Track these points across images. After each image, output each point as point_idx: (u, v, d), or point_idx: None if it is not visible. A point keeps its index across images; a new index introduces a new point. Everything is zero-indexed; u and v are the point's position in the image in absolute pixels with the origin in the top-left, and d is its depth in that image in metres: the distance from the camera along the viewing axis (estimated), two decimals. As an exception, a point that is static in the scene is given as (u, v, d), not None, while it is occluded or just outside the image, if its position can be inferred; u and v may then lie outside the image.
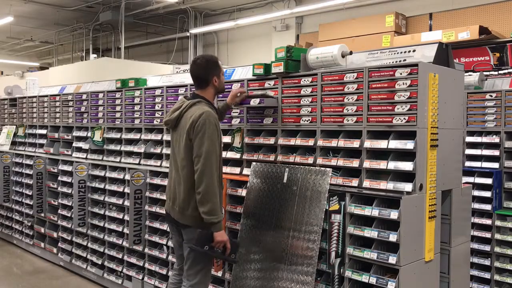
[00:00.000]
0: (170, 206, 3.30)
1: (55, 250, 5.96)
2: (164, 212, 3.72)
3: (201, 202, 3.04)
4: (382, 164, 3.00)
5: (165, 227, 4.35)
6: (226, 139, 3.95)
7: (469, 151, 4.75)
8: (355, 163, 3.13)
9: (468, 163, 4.73)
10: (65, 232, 5.81)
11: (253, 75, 3.80)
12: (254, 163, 3.68)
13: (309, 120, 3.43)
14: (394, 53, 3.27)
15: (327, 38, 9.11)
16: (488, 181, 4.51)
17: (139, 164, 4.86)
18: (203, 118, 3.05)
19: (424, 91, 2.94)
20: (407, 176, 2.96)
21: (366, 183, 3.06)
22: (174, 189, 3.26)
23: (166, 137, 4.55)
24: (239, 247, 3.38)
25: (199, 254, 3.15)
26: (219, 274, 3.83)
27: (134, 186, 4.48)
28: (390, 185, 2.95)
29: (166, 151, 4.55)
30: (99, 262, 5.21)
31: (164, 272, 4.43)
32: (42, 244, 6.18)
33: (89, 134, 5.55)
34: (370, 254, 2.93)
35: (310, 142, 3.39)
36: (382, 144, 3.01)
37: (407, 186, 2.89)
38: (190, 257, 3.22)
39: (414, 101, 2.90)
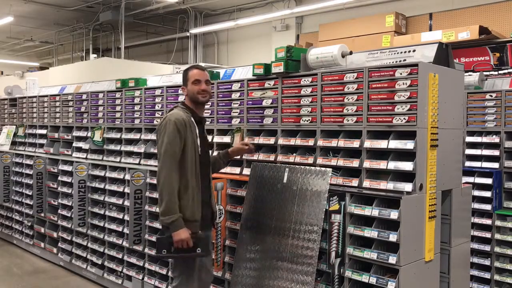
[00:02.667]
0: None
1: (55, 250, 5.96)
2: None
3: (158, 202, 3.07)
4: (382, 164, 3.00)
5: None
6: (226, 139, 3.96)
7: (469, 151, 4.75)
8: (355, 163, 3.13)
9: (468, 163, 4.73)
10: (65, 232, 5.81)
11: (253, 75, 3.81)
12: (254, 163, 3.68)
13: (309, 120, 3.43)
14: (394, 53, 3.27)
15: (327, 38, 9.11)
16: (488, 181, 4.51)
17: (139, 164, 4.86)
18: (165, 120, 3.12)
19: (424, 91, 2.94)
20: (407, 176, 2.96)
21: (366, 183, 3.06)
22: None
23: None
24: (204, 239, 3.20)
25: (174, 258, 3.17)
26: (219, 274, 3.84)
27: (134, 186, 4.48)
28: (390, 185, 2.95)
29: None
30: (99, 262, 5.21)
31: (164, 272, 4.42)
32: (42, 244, 6.18)
33: (89, 134, 5.55)
34: (370, 254, 2.94)
35: (310, 142, 3.39)
36: (382, 144, 3.01)
37: (407, 186, 2.89)
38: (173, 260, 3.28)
39: (414, 101, 2.90)
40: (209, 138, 3.58)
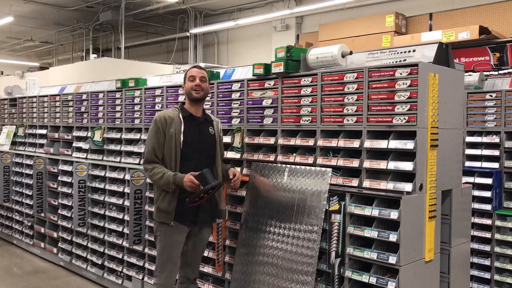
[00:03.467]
0: None
1: (55, 250, 5.96)
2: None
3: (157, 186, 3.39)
4: (382, 164, 3.00)
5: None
6: (226, 139, 3.95)
7: (469, 151, 4.75)
8: (355, 163, 3.13)
9: (468, 163, 4.73)
10: (65, 232, 5.81)
11: (253, 75, 3.81)
12: (254, 163, 3.68)
13: (309, 120, 3.43)
14: (394, 53, 3.27)
15: (327, 38, 9.11)
16: (488, 181, 4.51)
17: (139, 164, 4.86)
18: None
19: (424, 91, 2.94)
20: (407, 176, 2.96)
21: (366, 183, 3.06)
22: None
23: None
24: (206, 175, 3.17)
25: (155, 243, 3.44)
26: (219, 274, 3.84)
27: (134, 186, 4.48)
28: (390, 185, 2.95)
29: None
30: (99, 262, 5.21)
31: (164, 272, 4.42)
32: (42, 244, 6.18)
33: (89, 134, 5.55)
34: (370, 254, 2.93)
35: (310, 142, 3.39)
36: (382, 144, 3.01)
37: (407, 186, 2.89)
38: None
39: (414, 101, 2.90)
40: (215, 140, 3.54)
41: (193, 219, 3.39)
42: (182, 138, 3.31)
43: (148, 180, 4.52)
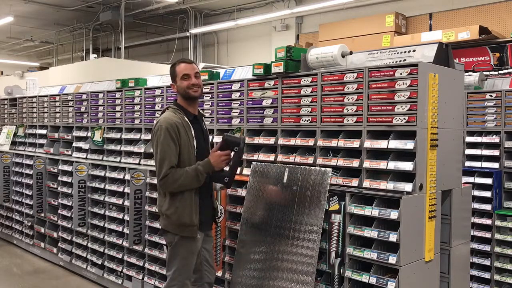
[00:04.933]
0: None
1: (55, 250, 5.96)
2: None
3: (180, 192, 3.07)
4: (382, 164, 3.00)
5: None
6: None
7: (469, 151, 4.75)
8: (355, 163, 3.13)
9: (468, 163, 4.73)
10: (65, 232, 5.81)
11: (253, 75, 3.81)
12: (254, 163, 3.68)
13: (309, 120, 3.43)
14: (394, 53, 3.27)
15: (327, 38, 9.11)
16: (488, 181, 4.51)
17: (139, 164, 4.86)
18: (157, 125, 3.07)
19: (424, 91, 2.94)
20: (407, 176, 2.96)
21: (366, 183, 3.06)
22: None
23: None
24: (229, 138, 3.15)
25: (172, 251, 3.22)
26: (219, 274, 3.83)
27: (134, 186, 4.48)
28: (390, 185, 2.95)
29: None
30: (99, 262, 5.21)
31: (164, 272, 4.42)
32: (42, 244, 6.18)
33: (89, 134, 5.55)
34: (370, 254, 2.94)
35: (310, 142, 3.39)
36: (382, 144, 3.01)
37: (407, 186, 2.89)
38: (167, 257, 3.31)
39: (414, 101, 2.90)
40: (209, 138, 3.53)
41: (210, 222, 3.35)
42: (195, 145, 3.15)
43: (148, 180, 4.52)
